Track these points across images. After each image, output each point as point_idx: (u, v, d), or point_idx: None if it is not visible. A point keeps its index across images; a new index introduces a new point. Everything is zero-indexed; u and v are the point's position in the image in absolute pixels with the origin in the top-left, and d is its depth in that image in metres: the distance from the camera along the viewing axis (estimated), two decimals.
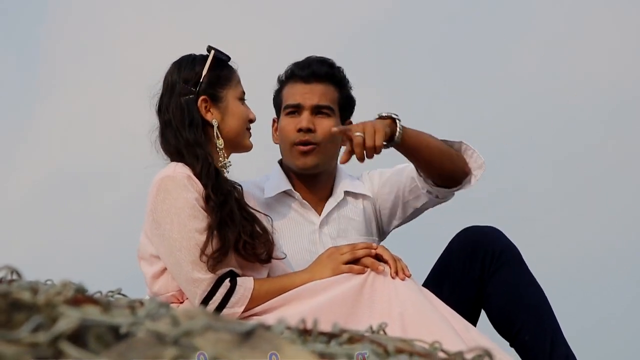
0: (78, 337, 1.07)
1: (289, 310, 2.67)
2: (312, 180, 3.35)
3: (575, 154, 7.35)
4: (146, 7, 7.82)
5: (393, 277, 2.71)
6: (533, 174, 7.22)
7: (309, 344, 1.36)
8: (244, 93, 2.99)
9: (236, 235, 2.72)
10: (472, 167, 3.22)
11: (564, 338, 3.04)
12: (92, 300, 1.24)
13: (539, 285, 3.09)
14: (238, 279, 2.71)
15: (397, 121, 3.04)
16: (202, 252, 2.68)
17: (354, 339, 1.50)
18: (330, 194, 3.37)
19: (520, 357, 3.03)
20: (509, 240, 3.13)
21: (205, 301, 2.68)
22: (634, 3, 7.49)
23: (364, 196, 3.39)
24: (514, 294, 3.00)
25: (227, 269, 2.70)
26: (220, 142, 2.88)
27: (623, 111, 7.50)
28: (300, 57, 3.40)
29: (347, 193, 3.38)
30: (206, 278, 2.67)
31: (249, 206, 2.86)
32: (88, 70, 7.68)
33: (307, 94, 3.29)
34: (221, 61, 2.98)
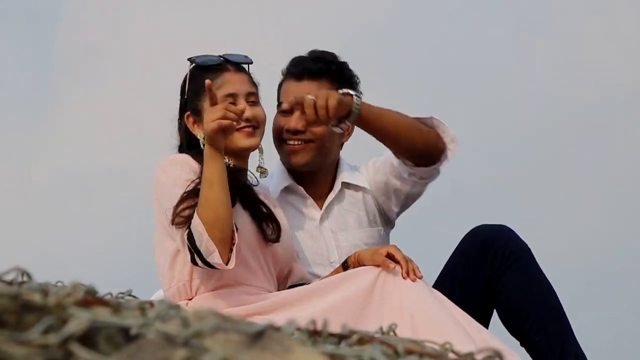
0: (88, 338, 1.07)
1: (298, 310, 2.66)
2: (312, 176, 3.31)
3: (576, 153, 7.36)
4: (161, 7, 7.83)
5: (404, 278, 2.70)
6: (533, 174, 7.22)
7: (319, 345, 1.36)
8: (229, 95, 2.91)
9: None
10: (446, 142, 3.16)
11: (575, 338, 3.03)
12: (102, 301, 1.25)
13: (550, 284, 3.08)
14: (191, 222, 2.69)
15: (356, 97, 3.00)
16: (177, 213, 2.72)
17: (364, 340, 1.50)
18: (331, 187, 3.34)
19: (531, 356, 3.02)
20: (520, 239, 3.11)
21: (194, 258, 2.68)
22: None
23: (362, 188, 3.35)
24: (525, 293, 2.99)
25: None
26: None
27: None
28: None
29: (345, 185, 3.33)
30: (179, 233, 2.71)
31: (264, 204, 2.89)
32: (102, 70, 7.70)
33: (298, 93, 3.09)
34: (201, 70, 2.96)
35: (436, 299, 2.69)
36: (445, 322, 2.60)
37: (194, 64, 2.99)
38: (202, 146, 2.80)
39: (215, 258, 2.63)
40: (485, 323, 3.07)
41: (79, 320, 1.07)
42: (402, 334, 2.14)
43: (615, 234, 7.09)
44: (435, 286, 2.95)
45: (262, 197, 2.97)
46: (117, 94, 7.42)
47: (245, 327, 1.13)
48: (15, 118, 7.75)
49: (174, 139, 3.03)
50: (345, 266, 2.90)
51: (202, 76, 2.92)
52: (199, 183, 2.73)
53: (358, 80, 3.34)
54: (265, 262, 2.88)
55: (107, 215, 7.05)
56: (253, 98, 2.96)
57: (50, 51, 7.94)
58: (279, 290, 2.91)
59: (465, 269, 3.10)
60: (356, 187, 3.34)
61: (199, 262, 2.67)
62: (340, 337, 1.48)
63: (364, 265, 2.79)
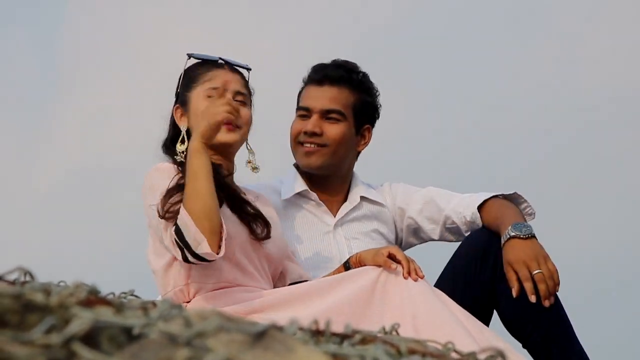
0: (91, 338, 1.07)
1: (299, 309, 2.66)
2: (326, 183, 3.37)
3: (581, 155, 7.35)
4: (166, 6, 7.84)
5: (406, 278, 2.70)
6: (533, 173, 7.22)
7: (322, 345, 1.36)
8: (214, 89, 2.88)
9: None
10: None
11: (577, 338, 3.03)
12: (104, 301, 1.25)
13: None
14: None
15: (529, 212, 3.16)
16: (165, 209, 2.67)
17: (367, 339, 1.50)
18: (345, 198, 3.40)
19: (533, 358, 3.02)
20: None
21: (184, 255, 2.62)
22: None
23: (380, 204, 3.41)
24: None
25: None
26: (181, 147, 2.84)
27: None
28: (310, 62, 3.43)
29: (363, 198, 3.41)
30: (167, 232, 2.65)
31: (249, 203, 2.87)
32: (107, 68, 7.71)
33: (318, 97, 3.30)
34: (196, 64, 2.96)
35: (438, 299, 2.69)
36: (447, 321, 2.60)
37: (191, 59, 2.99)
38: (182, 138, 2.82)
39: (204, 248, 2.56)
40: (486, 323, 3.07)
41: (81, 320, 1.07)
42: (404, 333, 2.14)
43: (615, 234, 7.10)
44: (436, 286, 2.95)
45: (250, 197, 2.95)
46: (119, 93, 7.43)
47: (248, 327, 1.12)
48: (18, 117, 7.76)
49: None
50: (346, 266, 2.90)
51: (196, 70, 2.94)
52: (183, 178, 2.70)
53: (378, 93, 3.40)
54: (260, 262, 2.87)
55: (108, 215, 7.06)
56: (241, 98, 2.93)
57: (53, 51, 7.95)
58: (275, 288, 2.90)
59: (466, 270, 3.10)
60: (374, 202, 3.42)
61: (189, 257, 2.60)
62: (343, 337, 1.48)
63: (365, 265, 2.79)
